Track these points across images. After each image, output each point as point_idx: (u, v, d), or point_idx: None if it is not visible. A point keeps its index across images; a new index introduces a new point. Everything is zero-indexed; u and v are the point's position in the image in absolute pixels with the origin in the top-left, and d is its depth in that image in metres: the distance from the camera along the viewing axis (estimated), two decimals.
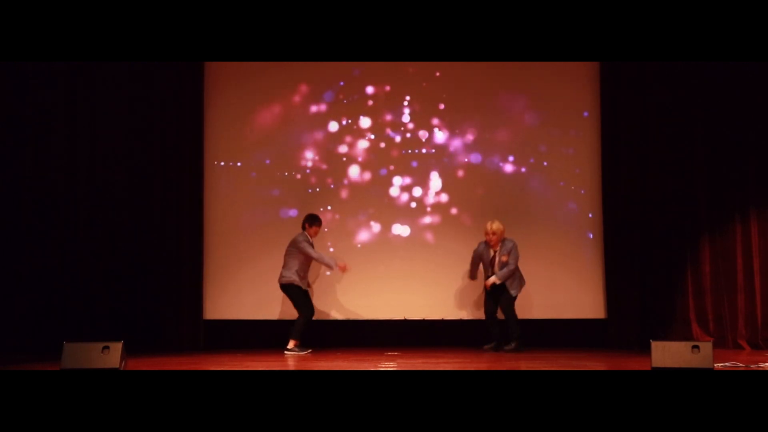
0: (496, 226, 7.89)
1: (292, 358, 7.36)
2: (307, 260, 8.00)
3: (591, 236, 8.55)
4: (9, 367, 6.19)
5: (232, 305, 8.66)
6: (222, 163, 8.78)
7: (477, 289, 8.52)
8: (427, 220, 8.68)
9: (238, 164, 8.78)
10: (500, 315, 7.98)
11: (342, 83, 8.79)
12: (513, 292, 7.87)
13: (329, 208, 8.71)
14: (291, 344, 7.82)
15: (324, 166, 8.76)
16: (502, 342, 7.89)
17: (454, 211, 8.66)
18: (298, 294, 7.95)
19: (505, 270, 7.79)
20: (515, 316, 7.89)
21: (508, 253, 7.84)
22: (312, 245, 8.00)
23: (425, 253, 8.63)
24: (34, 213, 8.47)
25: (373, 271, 8.62)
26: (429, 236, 8.68)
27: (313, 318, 8.06)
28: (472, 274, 8.20)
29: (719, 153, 8.23)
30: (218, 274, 8.69)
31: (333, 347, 8.18)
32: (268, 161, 8.77)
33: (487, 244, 7.94)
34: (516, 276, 7.90)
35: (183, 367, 6.34)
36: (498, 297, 7.92)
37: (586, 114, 8.63)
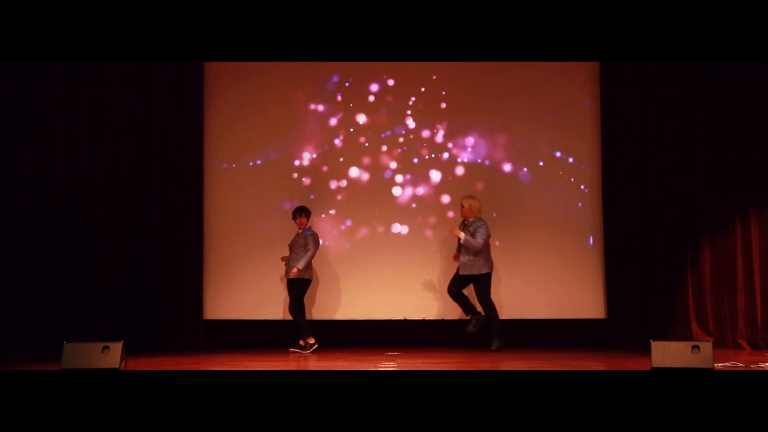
0: (464, 200, 7.91)
1: (295, 358, 7.40)
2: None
3: (591, 242, 8.54)
4: (9, 367, 6.19)
5: (232, 305, 8.66)
6: (222, 164, 8.78)
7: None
8: (427, 219, 8.68)
9: (238, 164, 8.78)
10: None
11: (342, 83, 8.79)
12: (484, 270, 7.73)
13: (330, 211, 8.72)
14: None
15: (324, 166, 8.76)
16: (479, 315, 7.81)
17: (454, 211, 8.66)
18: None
19: (471, 239, 7.68)
20: (493, 306, 7.79)
21: (474, 232, 7.74)
22: (295, 238, 8.14)
23: (425, 253, 8.62)
24: (34, 213, 8.47)
25: (373, 271, 8.62)
26: (429, 236, 8.68)
27: (310, 318, 8.11)
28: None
29: (719, 153, 8.22)
30: (218, 274, 8.69)
31: (333, 347, 8.17)
32: (268, 161, 8.77)
33: (463, 222, 7.95)
34: (482, 256, 7.74)
35: (183, 367, 6.34)
36: (465, 282, 7.86)
37: (587, 103, 8.61)
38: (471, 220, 7.84)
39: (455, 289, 7.89)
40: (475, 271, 7.71)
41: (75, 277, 8.46)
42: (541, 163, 8.63)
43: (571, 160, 8.62)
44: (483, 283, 7.77)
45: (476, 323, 7.82)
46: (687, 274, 8.27)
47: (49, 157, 8.55)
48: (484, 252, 7.74)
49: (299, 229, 8.08)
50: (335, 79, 8.80)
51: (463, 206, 7.90)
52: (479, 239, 7.68)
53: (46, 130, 8.57)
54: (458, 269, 7.86)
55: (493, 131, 8.70)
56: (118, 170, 8.62)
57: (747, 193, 8.16)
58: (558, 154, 8.62)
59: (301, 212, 8.11)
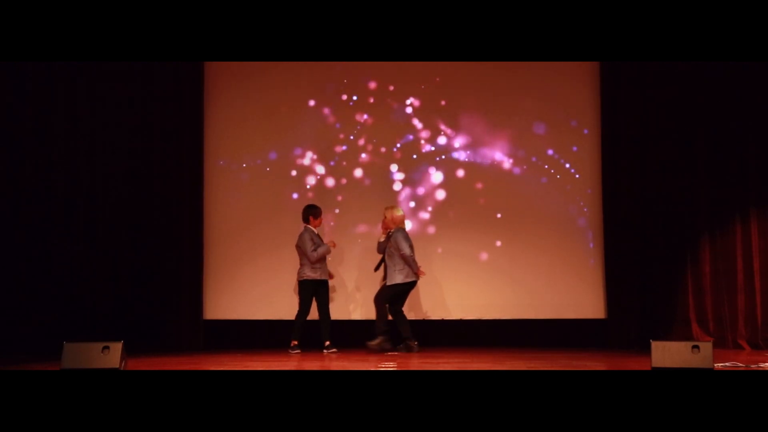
0: (386, 211, 7.95)
1: (293, 357, 7.39)
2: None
3: (591, 245, 8.53)
4: (9, 367, 6.19)
5: (232, 305, 8.66)
6: (222, 163, 8.79)
7: (477, 290, 8.54)
8: (427, 219, 8.67)
9: (239, 164, 8.78)
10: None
11: (342, 82, 8.79)
12: (395, 281, 7.79)
13: (335, 210, 8.72)
14: (292, 343, 7.91)
15: (324, 166, 8.76)
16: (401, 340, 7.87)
17: (454, 210, 8.66)
18: (302, 291, 8.00)
19: (404, 255, 7.73)
20: (383, 309, 7.85)
21: (395, 243, 7.78)
22: (319, 238, 8.02)
23: (425, 252, 8.60)
24: (34, 213, 8.47)
25: (373, 271, 8.60)
26: (429, 236, 8.67)
27: (312, 318, 8.07)
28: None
29: (719, 153, 8.22)
30: (218, 274, 8.69)
31: (333, 347, 8.16)
32: (268, 160, 8.77)
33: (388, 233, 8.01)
34: (399, 267, 7.78)
35: (183, 367, 6.34)
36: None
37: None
38: (392, 230, 7.88)
39: (395, 307, 7.95)
40: (396, 281, 7.79)
41: (75, 277, 8.46)
42: (541, 163, 8.62)
43: (571, 160, 8.61)
44: (392, 289, 7.83)
45: (382, 344, 7.81)
46: (687, 274, 8.27)
47: (49, 157, 8.55)
48: (402, 263, 7.79)
49: (316, 228, 8.03)
50: (335, 78, 8.79)
51: (385, 217, 7.96)
52: (405, 250, 7.72)
53: (46, 130, 8.56)
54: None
55: (494, 131, 8.69)
56: (118, 170, 8.62)
57: (747, 193, 8.16)
58: (558, 153, 8.62)
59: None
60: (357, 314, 8.62)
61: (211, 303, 8.66)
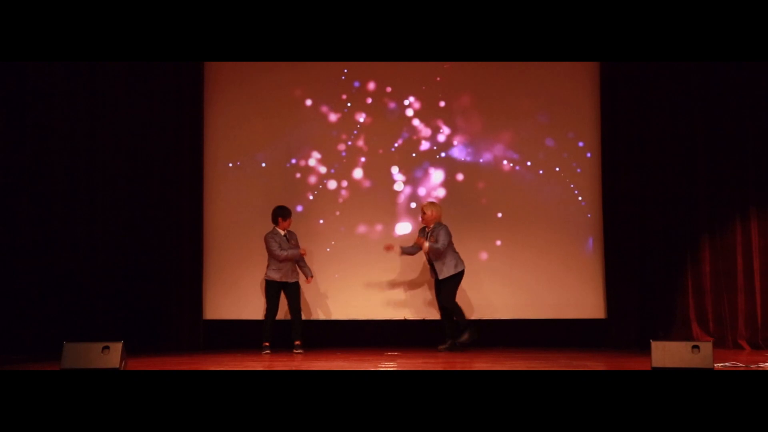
0: (426, 207, 7.93)
1: (298, 357, 7.40)
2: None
3: (591, 245, 8.52)
4: (9, 367, 6.19)
5: (232, 305, 8.66)
6: (222, 164, 8.78)
7: (476, 290, 8.53)
8: None
9: (238, 164, 8.78)
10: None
11: (342, 82, 8.79)
12: (454, 271, 7.73)
13: (337, 213, 8.72)
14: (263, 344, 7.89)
15: (324, 166, 8.76)
16: (456, 340, 7.81)
17: (455, 210, 8.65)
18: (266, 291, 8.01)
19: (435, 245, 7.70)
20: (457, 307, 7.80)
21: (436, 237, 7.75)
22: (285, 239, 7.97)
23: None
24: (34, 213, 8.46)
25: (374, 271, 8.61)
26: None
27: (312, 318, 8.06)
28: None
29: (719, 153, 8.22)
30: (218, 274, 8.68)
31: (333, 347, 8.17)
32: (267, 161, 8.77)
33: (424, 228, 7.98)
34: (447, 260, 7.74)
35: (183, 367, 6.34)
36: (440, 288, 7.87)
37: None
38: (432, 226, 7.86)
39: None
40: (448, 273, 7.73)
41: (75, 277, 8.45)
42: (541, 164, 8.62)
43: (570, 160, 8.61)
44: (450, 283, 7.76)
45: (451, 346, 7.81)
46: (687, 274, 8.27)
47: (48, 157, 8.54)
48: (449, 254, 7.76)
49: (285, 230, 8.01)
50: (335, 78, 8.78)
51: (424, 213, 7.93)
52: (441, 243, 7.69)
53: (46, 130, 8.56)
54: (435, 278, 7.88)
55: (494, 131, 8.70)
56: (118, 170, 8.61)
57: (747, 193, 8.15)
58: (558, 154, 8.62)
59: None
60: (357, 314, 8.60)
61: (211, 303, 8.66)
